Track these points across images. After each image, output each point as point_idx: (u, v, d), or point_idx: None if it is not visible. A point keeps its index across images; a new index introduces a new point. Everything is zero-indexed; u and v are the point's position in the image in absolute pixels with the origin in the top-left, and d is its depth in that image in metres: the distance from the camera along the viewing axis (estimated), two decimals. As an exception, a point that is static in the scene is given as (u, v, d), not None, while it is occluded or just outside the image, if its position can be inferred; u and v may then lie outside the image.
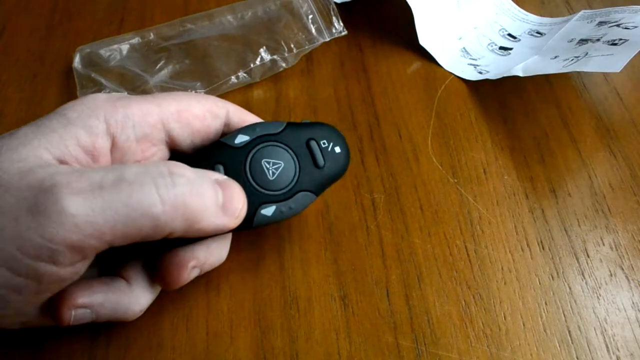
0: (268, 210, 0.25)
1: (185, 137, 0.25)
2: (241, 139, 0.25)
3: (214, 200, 0.21)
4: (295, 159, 0.26)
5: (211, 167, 0.25)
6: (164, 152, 0.25)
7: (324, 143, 0.27)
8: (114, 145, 0.23)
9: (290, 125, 0.27)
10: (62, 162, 0.20)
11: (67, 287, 0.22)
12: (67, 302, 0.22)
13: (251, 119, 0.27)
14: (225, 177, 0.23)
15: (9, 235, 0.18)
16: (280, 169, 0.26)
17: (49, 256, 0.18)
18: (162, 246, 0.23)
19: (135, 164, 0.20)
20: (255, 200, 0.25)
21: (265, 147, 0.26)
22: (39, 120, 0.21)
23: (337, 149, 0.27)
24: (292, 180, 0.26)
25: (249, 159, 0.25)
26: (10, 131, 0.21)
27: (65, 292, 0.22)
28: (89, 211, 0.18)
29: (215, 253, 0.25)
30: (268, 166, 0.25)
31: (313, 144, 0.27)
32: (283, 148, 0.26)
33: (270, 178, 0.25)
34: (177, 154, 0.26)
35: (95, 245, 0.19)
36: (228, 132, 0.27)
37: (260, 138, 0.26)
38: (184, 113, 0.25)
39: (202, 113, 0.25)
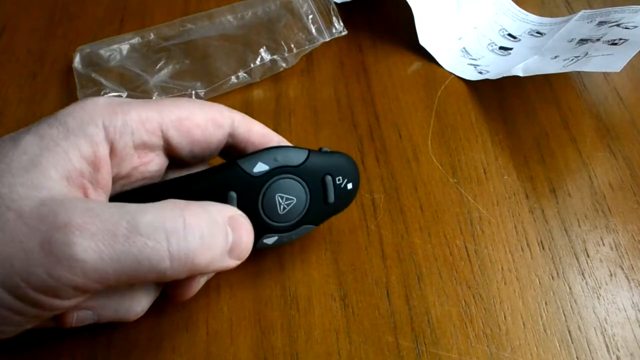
0: (270, 240, 0.26)
1: (184, 145, 0.25)
2: (260, 167, 0.24)
3: (222, 249, 0.22)
4: (308, 194, 0.26)
5: (224, 193, 0.24)
6: (162, 158, 0.25)
7: (338, 179, 0.26)
8: (112, 152, 0.22)
9: (312, 155, 0.25)
10: (68, 178, 0.20)
11: None
12: None
13: (258, 128, 0.26)
14: (240, 213, 0.23)
15: (16, 266, 0.18)
16: (292, 204, 0.25)
17: (53, 292, 0.19)
18: None
19: (151, 209, 0.20)
20: (260, 230, 0.25)
21: (282, 180, 0.25)
22: (40, 128, 0.21)
23: (350, 186, 0.27)
24: (299, 215, 0.26)
25: (263, 191, 0.25)
26: (12, 136, 0.21)
27: None
28: (98, 260, 0.18)
29: None
30: (281, 201, 0.25)
31: (328, 180, 0.26)
32: (299, 183, 0.25)
33: (280, 212, 0.25)
34: (180, 162, 0.26)
35: (98, 288, 0.19)
36: (233, 143, 0.26)
37: (279, 169, 0.25)
38: (184, 121, 0.24)
39: (204, 122, 0.25)
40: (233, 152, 0.27)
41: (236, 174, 0.24)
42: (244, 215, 0.23)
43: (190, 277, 0.24)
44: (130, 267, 0.19)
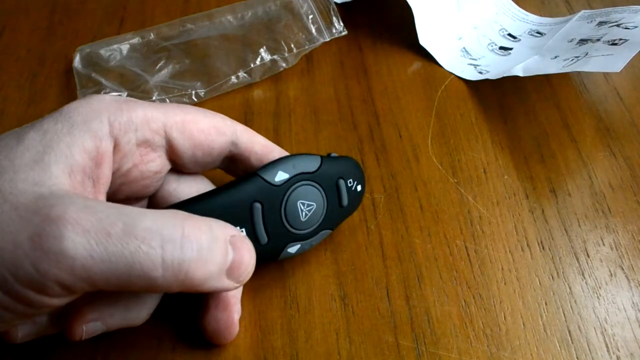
0: (293, 248, 0.26)
1: (187, 148, 0.25)
2: (281, 176, 0.25)
3: (220, 266, 0.21)
4: (325, 199, 0.26)
5: (249, 204, 0.24)
6: (164, 160, 0.25)
7: (350, 182, 0.27)
8: (115, 147, 0.23)
9: (324, 160, 0.26)
10: (70, 173, 0.20)
11: (76, 303, 0.22)
12: (77, 318, 0.22)
13: (259, 139, 0.27)
14: (242, 235, 0.22)
15: (5, 258, 0.17)
16: (312, 210, 0.26)
17: (39, 287, 0.18)
18: None
19: (150, 214, 0.19)
20: (285, 239, 0.25)
21: (302, 186, 0.25)
22: (44, 123, 0.21)
23: (359, 188, 0.28)
24: (319, 220, 0.26)
25: (285, 199, 0.25)
26: (17, 132, 0.21)
27: (74, 308, 0.22)
28: (88, 258, 0.18)
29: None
30: (302, 207, 0.25)
31: (341, 183, 0.27)
32: (317, 189, 0.26)
33: (302, 219, 0.26)
34: (182, 169, 0.26)
35: (85, 288, 0.19)
36: (236, 152, 0.26)
37: (299, 176, 0.25)
38: (188, 124, 0.25)
39: (207, 127, 0.25)
40: (235, 163, 0.27)
41: (259, 184, 0.24)
42: (246, 237, 0.23)
43: (226, 313, 0.25)
44: (120, 270, 0.18)
